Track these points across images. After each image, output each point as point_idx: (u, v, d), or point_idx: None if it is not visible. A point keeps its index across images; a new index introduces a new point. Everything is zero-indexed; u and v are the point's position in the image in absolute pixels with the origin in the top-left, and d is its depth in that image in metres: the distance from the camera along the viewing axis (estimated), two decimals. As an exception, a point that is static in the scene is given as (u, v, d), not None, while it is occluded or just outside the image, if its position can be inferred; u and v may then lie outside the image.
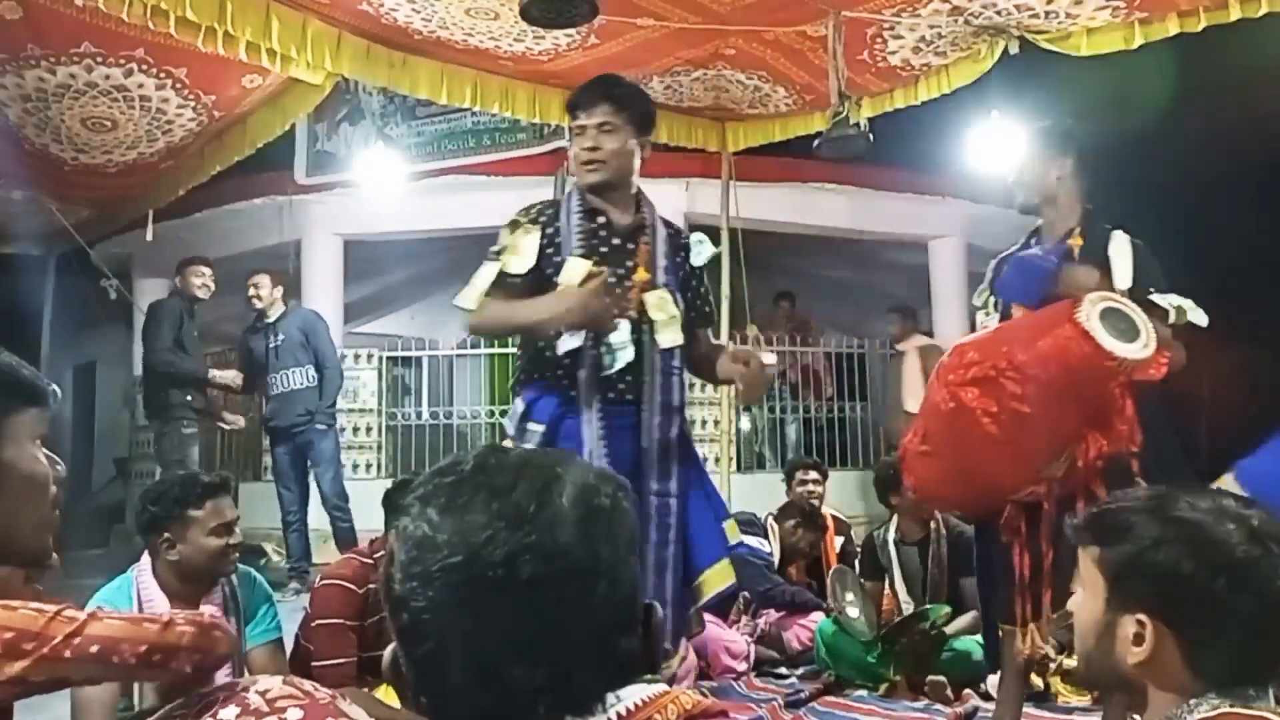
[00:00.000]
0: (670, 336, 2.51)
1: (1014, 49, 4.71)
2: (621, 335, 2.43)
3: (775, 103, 5.87)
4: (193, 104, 5.22)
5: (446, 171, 7.67)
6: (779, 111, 5.99)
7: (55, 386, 1.43)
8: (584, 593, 0.81)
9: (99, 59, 4.67)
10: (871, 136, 4.80)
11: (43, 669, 1.27)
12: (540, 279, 2.51)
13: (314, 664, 2.80)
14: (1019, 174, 2.88)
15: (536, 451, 0.91)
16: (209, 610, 2.57)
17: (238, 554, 2.65)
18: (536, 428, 2.44)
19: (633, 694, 0.83)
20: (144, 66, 4.78)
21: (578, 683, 0.81)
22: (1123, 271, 2.63)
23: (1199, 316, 2.58)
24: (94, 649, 1.29)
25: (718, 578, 2.59)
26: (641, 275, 2.52)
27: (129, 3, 3.77)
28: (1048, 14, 4.51)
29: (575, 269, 2.47)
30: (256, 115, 5.58)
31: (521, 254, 2.50)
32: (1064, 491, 2.45)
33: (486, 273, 2.51)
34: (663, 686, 0.85)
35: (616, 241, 2.54)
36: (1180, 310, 2.57)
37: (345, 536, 5.67)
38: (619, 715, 0.82)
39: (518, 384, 2.58)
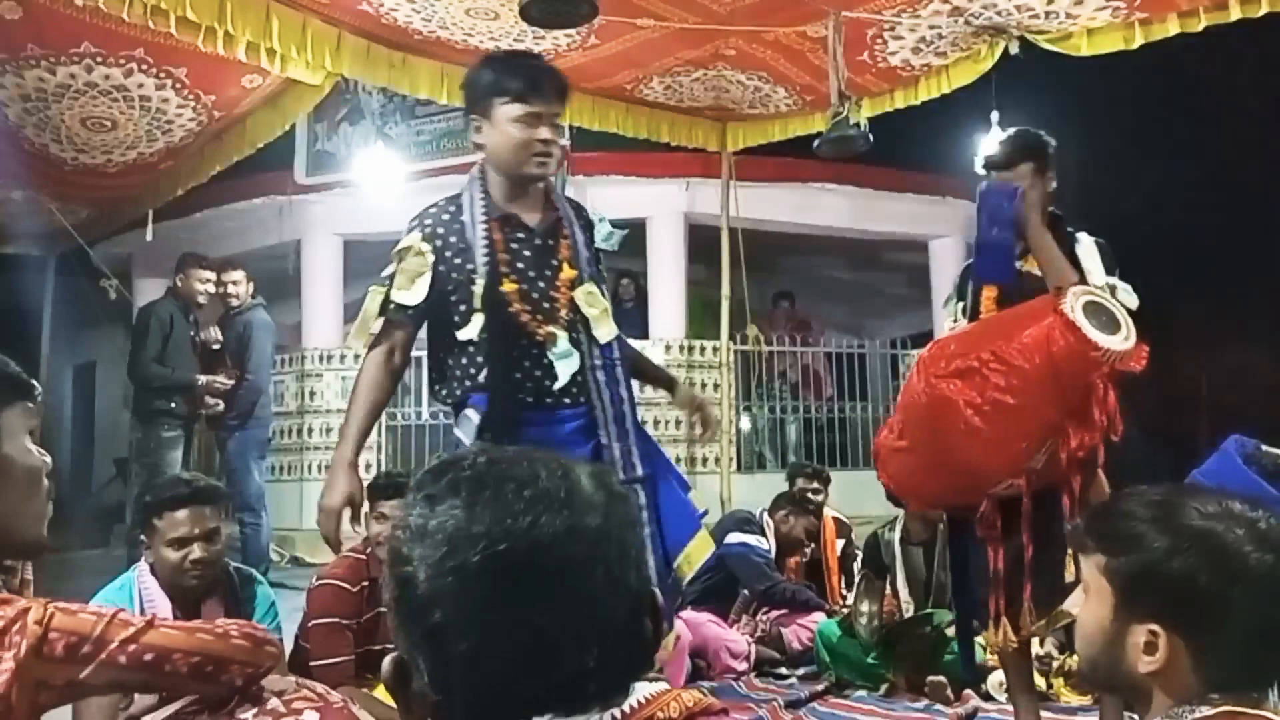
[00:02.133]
0: (606, 330, 2.44)
1: (1014, 49, 4.71)
2: (561, 345, 2.36)
3: (775, 103, 5.87)
4: (193, 104, 5.22)
5: (446, 171, 7.67)
6: (779, 111, 5.99)
7: (35, 380, 1.46)
8: (623, 574, 0.82)
9: (99, 59, 4.67)
10: (871, 136, 4.80)
11: (99, 674, 1.29)
12: (440, 303, 2.36)
13: (312, 663, 2.80)
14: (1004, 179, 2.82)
15: (525, 449, 0.90)
16: (226, 621, 2.57)
17: (199, 569, 2.47)
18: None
19: (635, 691, 0.82)
20: (144, 66, 4.78)
21: (618, 663, 0.81)
22: (1095, 269, 2.65)
23: (1131, 300, 2.59)
24: (148, 656, 1.31)
25: (699, 549, 2.54)
26: (568, 273, 2.41)
27: (129, 3, 3.77)
28: (1048, 14, 4.51)
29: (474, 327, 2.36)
30: (256, 115, 5.58)
31: (412, 285, 2.35)
32: (1042, 484, 2.47)
33: (370, 304, 2.37)
34: (664, 685, 0.84)
35: (538, 243, 2.41)
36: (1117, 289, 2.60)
37: (253, 547, 5.43)
38: (622, 713, 0.80)
39: (455, 399, 2.41)
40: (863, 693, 3.77)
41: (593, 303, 2.43)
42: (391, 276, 2.37)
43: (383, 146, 7.52)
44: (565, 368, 2.36)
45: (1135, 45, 4.50)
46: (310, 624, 2.92)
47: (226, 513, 2.70)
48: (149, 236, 6.69)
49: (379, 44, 4.71)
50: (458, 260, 2.36)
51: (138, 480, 5.50)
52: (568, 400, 2.39)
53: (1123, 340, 2.31)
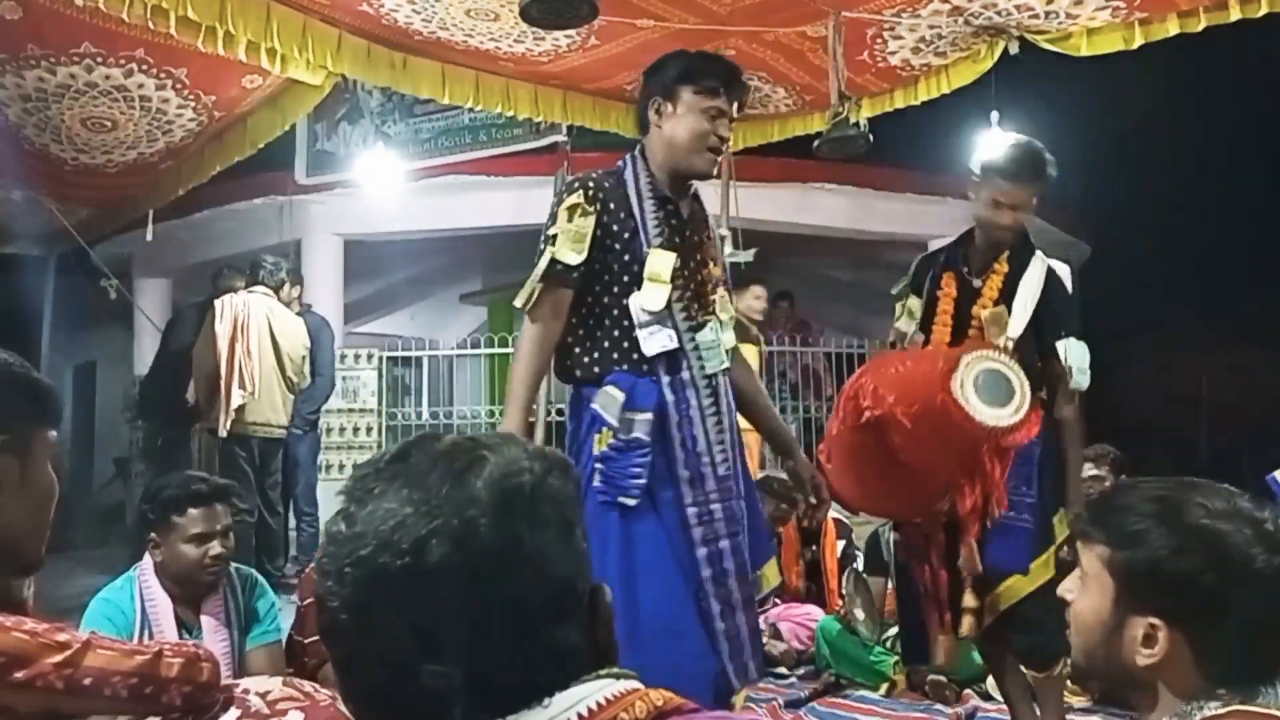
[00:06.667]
0: (731, 336, 2.45)
1: (1014, 49, 4.71)
2: (709, 335, 2.33)
3: (775, 103, 5.87)
4: (193, 104, 5.21)
5: (445, 168, 7.67)
6: (779, 111, 5.99)
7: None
8: (500, 579, 0.76)
9: (99, 59, 4.67)
10: (871, 136, 4.80)
11: (34, 699, 1.22)
12: (589, 270, 2.28)
13: (306, 641, 2.87)
14: (1012, 196, 2.72)
15: (469, 436, 0.84)
16: (208, 619, 2.58)
17: (218, 565, 2.56)
18: (643, 415, 2.22)
19: (596, 691, 0.77)
20: (144, 66, 4.77)
21: (501, 681, 0.76)
22: (1019, 317, 2.68)
23: (1083, 380, 2.66)
24: (87, 681, 1.25)
25: (769, 576, 2.50)
26: (715, 271, 2.41)
27: (129, 3, 3.76)
28: (1048, 14, 4.51)
29: (663, 263, 2.27)
30: (256, 115, 5.57)
31: (576, 245, 2.25)
32: (950, 522, 2.67)
33: (540, 264, 2.27)
34: (633, 684, 0.78)
35: (689, 234, 2.39)
36: (1071, 371, 2.67)
37: (309, 543, 5.66)
38: (579, 716, 0.75)
39: (591, 374, 2.30)
40: (863, 692, 3.77)
41: (724, 307, 2.44)
42: (553, 237, 2.28)
43: (381, 146, 7.52)
44: (711, 360, 2.33)
45: (1135, 45, 4.50)
46: (302, 605, 3.00)
47: (235, 512, 2.73)
48: (149, 236, 6.69)
49: (379, 44, 4.70)
50: (616, 228, 2.30)
51: (140, 480, 5.52)
52: (706, 392, 2.36)
53: (1012, 414, 2.42)
